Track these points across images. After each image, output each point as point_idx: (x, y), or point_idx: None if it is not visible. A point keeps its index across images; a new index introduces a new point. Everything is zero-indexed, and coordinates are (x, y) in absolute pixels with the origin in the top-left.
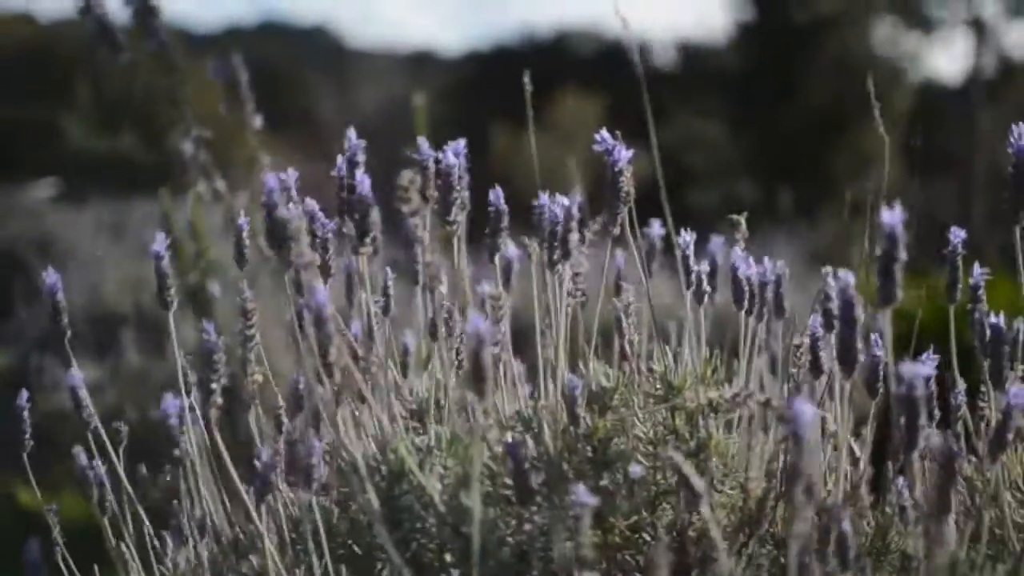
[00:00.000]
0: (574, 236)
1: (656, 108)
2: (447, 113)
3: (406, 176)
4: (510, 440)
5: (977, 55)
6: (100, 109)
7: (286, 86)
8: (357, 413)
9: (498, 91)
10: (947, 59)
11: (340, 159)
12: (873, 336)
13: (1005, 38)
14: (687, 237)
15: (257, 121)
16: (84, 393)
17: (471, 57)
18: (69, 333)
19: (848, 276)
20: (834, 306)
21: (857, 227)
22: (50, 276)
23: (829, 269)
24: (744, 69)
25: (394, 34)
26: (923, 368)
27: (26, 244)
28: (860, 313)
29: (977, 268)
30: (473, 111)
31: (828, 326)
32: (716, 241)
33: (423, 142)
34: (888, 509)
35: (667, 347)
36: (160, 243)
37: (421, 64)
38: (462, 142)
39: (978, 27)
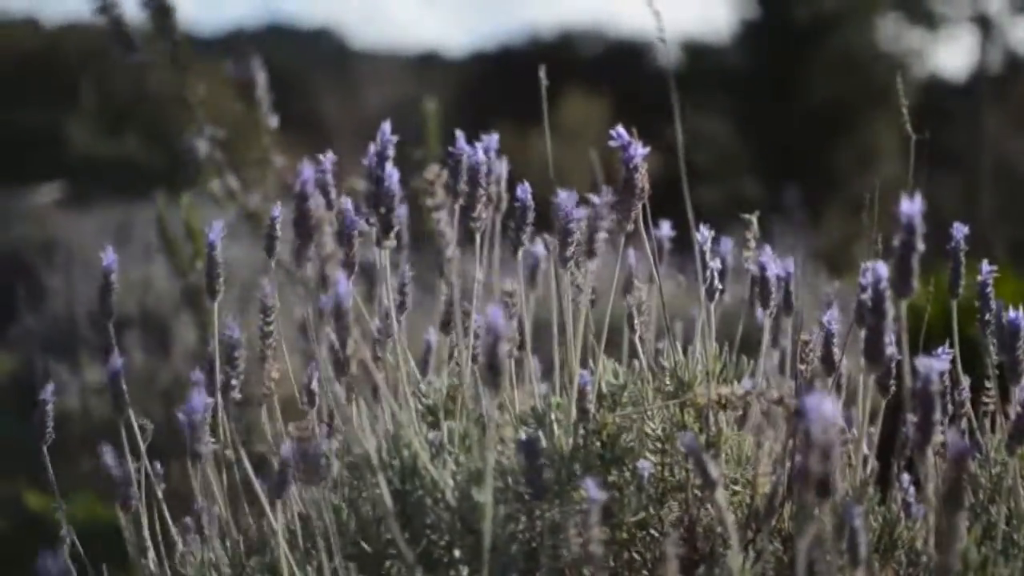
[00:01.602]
0: (602, 234)
1: (662, 106)
2: (453, 114)
3: (432, 171)
4: (524, 437)
5: (982, 51)
6: (104, 113)
7: (292, 88)
8: (370, 408)
9: (504, 91)
10: (952, 56)
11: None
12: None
13: (1011, 34)
14: (705, 233)
15: (273, 121)
16: (122, 384)
17: (477, 58)
18: (115, 313)
19: (881, 268)
20: (867, 298)
21: (865, 224)
22: (108, 256)
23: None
24: (748, 67)
25: (399, 35)
26: (938, 363)
27: (31, 248)
28: (890, 307)
29: (985, 264)
30: (479, 111)
31: (860, 320)
32: (726, 240)
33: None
34: (894, 505)
35: (677, 343)
36: (216, 232)
37: (427, 65)
38: (495, 137)
39: (983, 23)
